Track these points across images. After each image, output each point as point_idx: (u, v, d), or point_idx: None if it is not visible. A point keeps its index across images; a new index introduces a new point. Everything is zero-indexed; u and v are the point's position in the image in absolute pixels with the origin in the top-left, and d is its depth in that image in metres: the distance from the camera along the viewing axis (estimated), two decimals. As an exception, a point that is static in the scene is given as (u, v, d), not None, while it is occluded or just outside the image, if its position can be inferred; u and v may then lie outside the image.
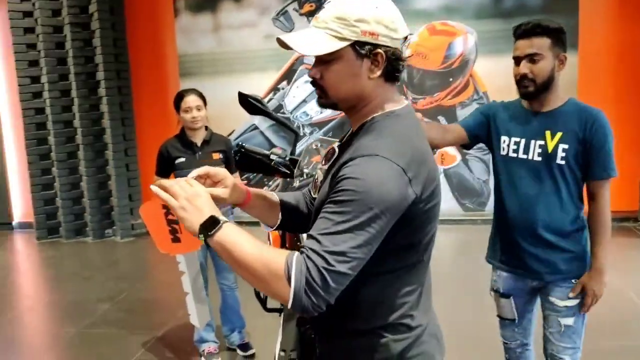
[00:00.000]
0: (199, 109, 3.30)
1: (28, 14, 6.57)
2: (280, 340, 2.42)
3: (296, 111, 6.82)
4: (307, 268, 1.11)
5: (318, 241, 1.13)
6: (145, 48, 7.00)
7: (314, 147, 2.83)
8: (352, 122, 1.37)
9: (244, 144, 2.77)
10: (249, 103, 2.63)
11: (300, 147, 6.39)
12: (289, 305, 1.12)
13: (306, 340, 2.43)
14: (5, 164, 7.34)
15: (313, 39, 1.26)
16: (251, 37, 6.83)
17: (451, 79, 6.53)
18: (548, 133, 2.12)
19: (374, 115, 1.31)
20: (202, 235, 1.21)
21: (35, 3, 6.47)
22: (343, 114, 1.41)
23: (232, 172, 3.44)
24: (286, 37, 1.27)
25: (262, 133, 6.89)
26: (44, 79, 6.59)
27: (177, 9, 6.91)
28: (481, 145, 2.35)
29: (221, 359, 3.52)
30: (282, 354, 2.38)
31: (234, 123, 6.82)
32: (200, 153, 3.34)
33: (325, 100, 1.33)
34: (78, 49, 6.49)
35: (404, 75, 6.58)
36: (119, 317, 4.35)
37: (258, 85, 6.77)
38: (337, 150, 1.39)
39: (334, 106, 1.34)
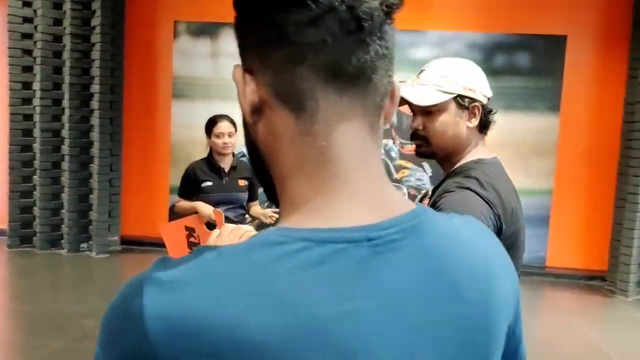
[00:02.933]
0: (230, 136, 3.40)
1: (28, 20, 6.54)
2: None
3: (285, 143, 6.93)
4: None
5: None
6: (141, 66, 7.03)
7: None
8: (445, 168, 1.55)
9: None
10: None
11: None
12: None
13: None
14: (-18, 166, 7.15)
15: (422, 93, 1.43)
16: (248, 67, 6.95)
17: (439, 128, 6.77)
18: None
19: (465, 162, 1.49)
20: None
21: (37, 10, 6.46)
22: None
23: (254, 199, 3.53)
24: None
25: (249, 161, 6.96)
26: (36, 85, 6.52)
27: (177, 32, 6.99)
28: None
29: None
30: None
31: (223, 149, 6.88)
32: (227, 178, 3.41)
33: (425, 149, 1.53)
34: (75, 59, 6.48)
35: (394, 119, 6.80)
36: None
37: (250, 115, 6.87)
38: (430, 192, 1.52)
39: (432, 155, 1.53)
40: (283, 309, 0.51)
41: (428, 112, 1.46)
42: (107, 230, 6.72)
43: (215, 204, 3.26)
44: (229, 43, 6.94)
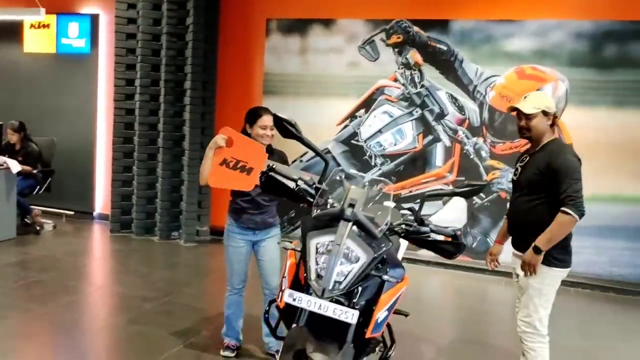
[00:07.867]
0: (272, 128, 3.57)
1: (132, 21, 7.03)
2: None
3: (370, 140, 6.77)
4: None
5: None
6: (234, 63, 7.24)
7: (338, 178, 2.79)
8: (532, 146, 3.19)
9: (274, 165, 2.77)
10: (282, 126, 2.64)
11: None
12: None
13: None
14: (95, 157, 7.84)
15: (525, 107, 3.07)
16: (336, 63, 6.89)
17: (535, 126, 6.21)
18: None
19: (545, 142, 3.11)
20: None
21: (139, 11, 6.92)
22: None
23: None
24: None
25: (334, 158, 6.89)
26: (137, 82, 6.99)
27: (269, 29, 7.11)
28: None
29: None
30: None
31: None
32: None
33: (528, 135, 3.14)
34: (171, 57, 6.84)
35: (485, 116, 6.36)
36: (156, 318, 4.47)
37: (337, 110, 6.81)
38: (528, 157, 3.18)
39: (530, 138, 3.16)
40: None
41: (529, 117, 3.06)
42: (196, 220, 7.01)
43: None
44: (318, 40, 6.93)
